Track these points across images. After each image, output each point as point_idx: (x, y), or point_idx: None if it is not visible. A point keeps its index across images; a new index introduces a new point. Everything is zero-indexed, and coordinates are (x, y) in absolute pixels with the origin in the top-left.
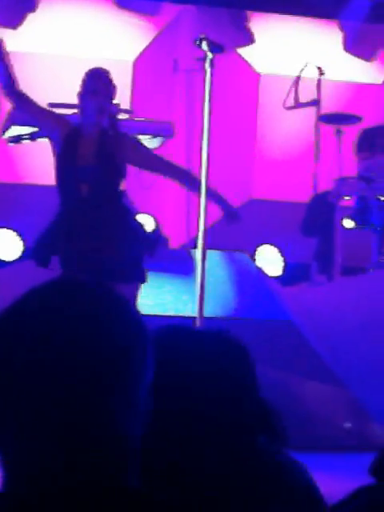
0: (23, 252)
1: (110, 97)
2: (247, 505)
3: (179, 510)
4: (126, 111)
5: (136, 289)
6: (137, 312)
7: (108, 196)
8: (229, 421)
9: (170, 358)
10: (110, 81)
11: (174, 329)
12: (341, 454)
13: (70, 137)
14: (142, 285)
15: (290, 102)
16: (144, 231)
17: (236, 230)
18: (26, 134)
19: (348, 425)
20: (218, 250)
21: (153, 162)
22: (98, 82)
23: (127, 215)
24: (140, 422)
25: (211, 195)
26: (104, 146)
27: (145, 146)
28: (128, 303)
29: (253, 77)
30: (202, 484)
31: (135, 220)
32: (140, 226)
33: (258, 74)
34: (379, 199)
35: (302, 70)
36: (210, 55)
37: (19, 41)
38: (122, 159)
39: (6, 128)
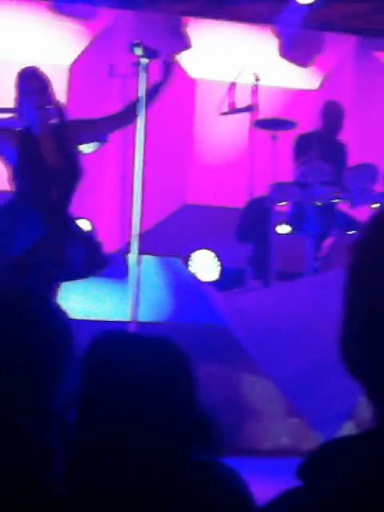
0: None
1: (44, 91)
2: (176, 511)
3: None
4: None
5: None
6: (62, 322)
7: (70, 201)
8: (164, 429)
9: (106, 364)
10: (41, 76)
11: (113, 334)
12: (276, 458)
13: (24, 141)
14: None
15: (225, 107)
16: (91, 249)
17: (171, 234)
18: None
19: (295, 420)
20: (151, 255)
21: (98, 127)
22: (29, 82)
23: (77, 227)
24: (56, 426)
25: (151, 92)
26: (61, 144)
27: (84, 120)
28: (55, 312)
29: (189, 82)
30: (131, 488)
31: (85, 236)
32: (89, 244)
33: (194, 80)
34: (315, 204)
35: (238, 75)
36: (144, 60)
37: None
38: (78, 154)
39: None
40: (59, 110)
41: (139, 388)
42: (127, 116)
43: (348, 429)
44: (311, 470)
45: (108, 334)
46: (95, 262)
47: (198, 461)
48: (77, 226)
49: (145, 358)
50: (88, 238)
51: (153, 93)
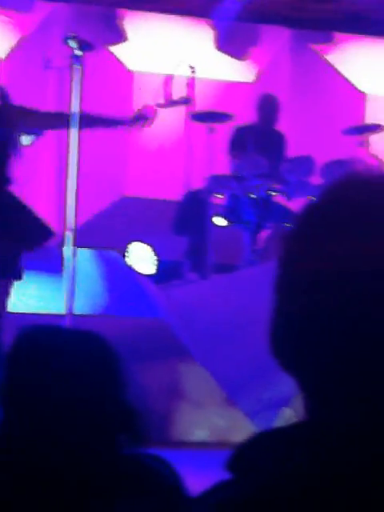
0: None
1: None
2: (106, 503)
3: (34, 509)
4: None
5: (8, 285)
6: None
7: (4, 176)
8: (90, 422)
9: (31, 358)
10: None
11: (39, 328)
12: (213, 450)
13: None
14: (16, 281)
15: (162, 100)
16: (29, 225)
17: (108, 227)
18: None
19: (232, 411)
20: (88, 247)
21: (39, 119)
22: None
23: (12, 206)
24: None
25: (103, 123)
26: None
27: (28, 108)
28: None
29: (126, 75)
30: (60, 482)
31: (20, 212)
32: (25, 218)
33: (131, 72)
34: (251, 197)
35: (175, 68)
36: (79, 53)
37: None
38: (12, 135)
39: None
40: (1, 92)
41: (64, 382)
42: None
43: (286, 419)
44: (241, 462)
45: (33, 329)
46: (38, 234)
47: (128, 453)
48: (15, 200)
49: (70, 351)
50: (27, 212)
51: (110, 123)
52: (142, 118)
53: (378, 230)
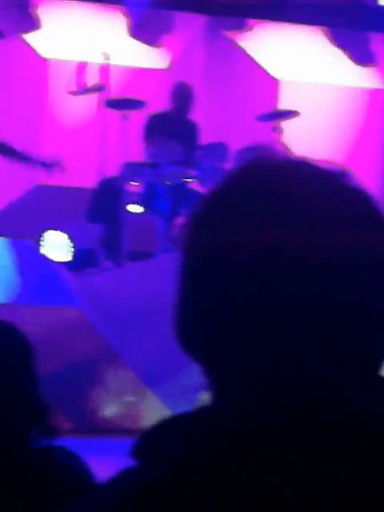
0: None
1: None
2: (13, 496)
3: None
4: None
5: None
6: None
7: None
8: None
9: None
10: None
11: None
12: (125, 438)
13: None
14: None
15: (75, 87)
16: None
17: (23, 216)
18: None
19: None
20: (2, 236)
21: None
22: None
23: None
24: None
25: (21, 159)
26: None
27: None
28: None
29: (41, 63)
30: None
31: None
32: None
33: (46, 60)
34: (166, 184)
35: (88, 55)
36: None
37: None
38: None
39: None
40: None
41: None
42: None
43: (203, 404)
44: (145, 449)
45: None
46: None
47: (37, 446)
48: None
49: None
50: None
51: (22, 159)
52: (53, 165)
53: (282, 215)
